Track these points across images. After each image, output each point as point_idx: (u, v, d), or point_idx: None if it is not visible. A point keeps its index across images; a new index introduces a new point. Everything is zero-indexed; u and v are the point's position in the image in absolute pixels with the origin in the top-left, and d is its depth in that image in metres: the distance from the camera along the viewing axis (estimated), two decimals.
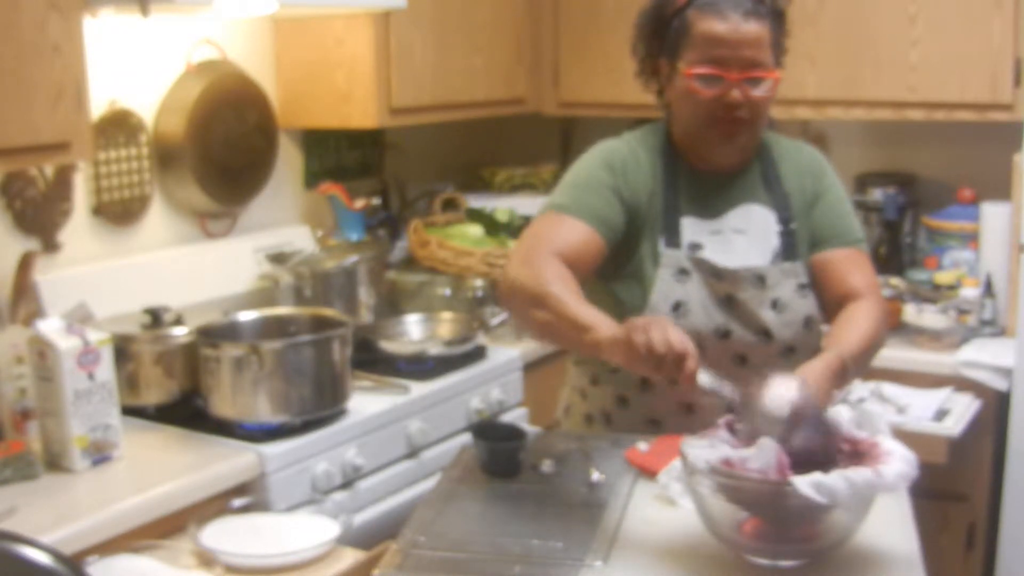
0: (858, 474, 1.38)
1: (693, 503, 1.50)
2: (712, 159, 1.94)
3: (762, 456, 1.43)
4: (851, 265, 1.94)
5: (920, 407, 2.63)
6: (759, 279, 1.89)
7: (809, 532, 1.45)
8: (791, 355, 1.91)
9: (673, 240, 1.91)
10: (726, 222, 1.94)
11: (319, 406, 2.25)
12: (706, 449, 1.48)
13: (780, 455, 1.42)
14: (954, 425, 2.57)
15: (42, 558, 1.43)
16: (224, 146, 2.84)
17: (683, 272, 1.88)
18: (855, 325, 1.84)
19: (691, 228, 1.92)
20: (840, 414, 1.56)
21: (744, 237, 1.93)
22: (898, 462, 1.42)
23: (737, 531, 1.46)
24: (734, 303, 1.89)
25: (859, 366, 1.79)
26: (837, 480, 1.37)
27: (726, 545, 1.48)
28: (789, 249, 1.94)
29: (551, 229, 1.86)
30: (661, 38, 1.91)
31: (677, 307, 1.87)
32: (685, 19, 1.86)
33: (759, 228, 1.94)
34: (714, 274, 1.89)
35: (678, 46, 1.88)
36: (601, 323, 1.65)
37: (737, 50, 1.81)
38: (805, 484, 1.36)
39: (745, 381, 1.56)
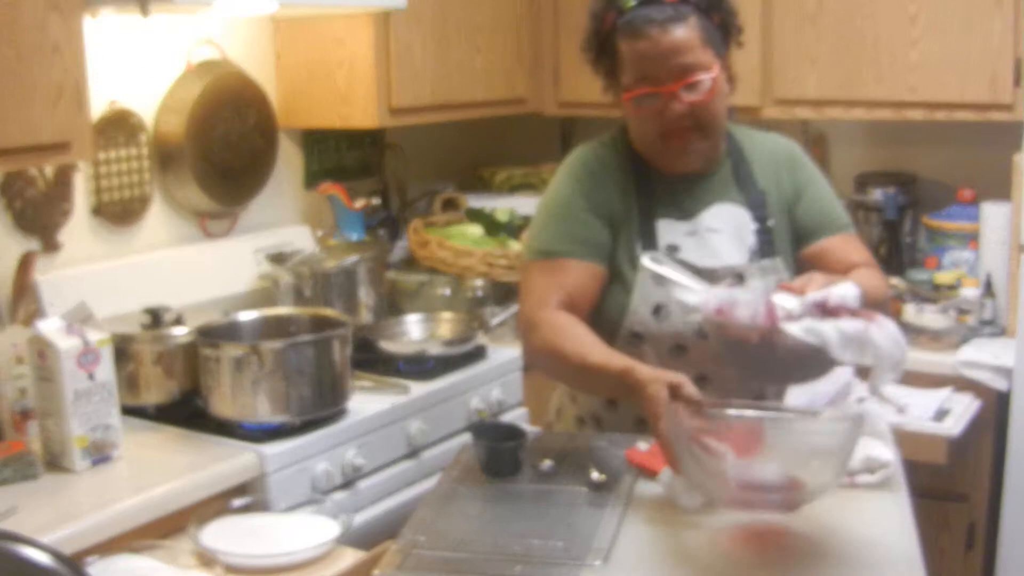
0: (849, 323, 1.39)
1: (681, 459, 1.50)
2: (676, 168, 1.94)
3: (751, 302, 1.42)
4: (848, 248, 1.97)
5: (920, 407, 2.63)
6: (737, 277, 1.89)
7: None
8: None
9: (649, 243, 1.91)
10: (700, 222, 1.93)
11: (319, 406, 2.25)
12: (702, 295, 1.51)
13: (768, 301, 1.41)
14: (954, 425, 2.57)
15: (42, 558, 1.43)
16: (224, 146, 2.84)
17: (661, 275, 1.88)
18: (860, 275, 1.85)
19: (667, 230, 1.92)
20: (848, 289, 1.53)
21: (719, 236, 1.92)
22: (888, 336, 1.43)
23: (724, 484, 1.45)
24: None
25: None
26: (827, 326, 1.38)
27: (713, 498, 1.48)
28: (766, 247, 1.93)
29: (546, 280, 1.88)
30: (601, 62, 1.94)
31: (657, 310, 1.88)
32: (613, 44, 1.88)
33: (734, 227, 1.94)
34: (693, 275, 1.88)
35: (615, 70, 1.91)
36: (631, 364, 1.68)
37: (664, 62, 1.81)
38: (795, 327, 1.35)
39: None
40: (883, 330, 1.43)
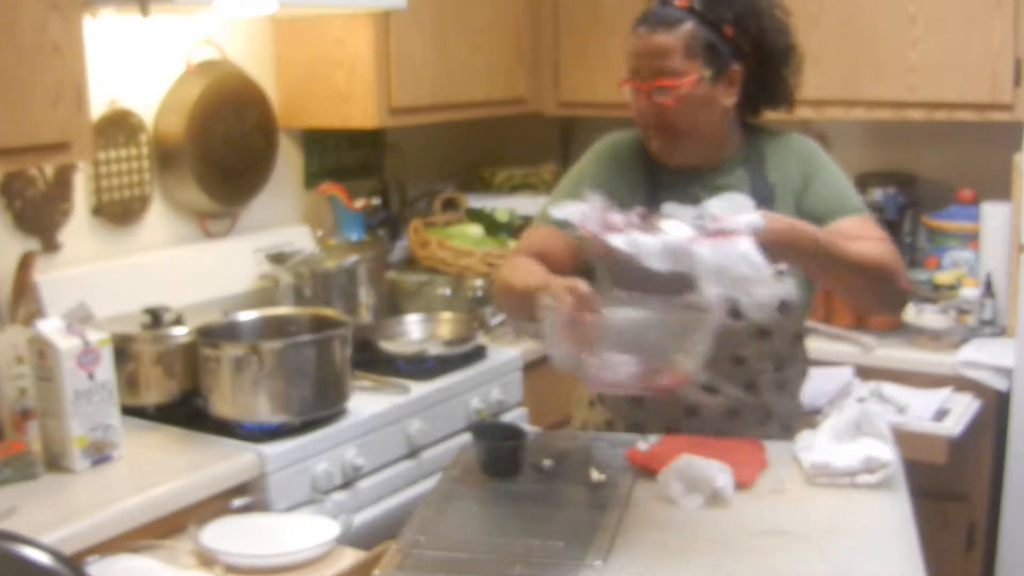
0: (674, 236, 1.51)
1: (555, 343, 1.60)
2: (662, 161, 1.98)
3: (595, 217, 1.57)
4: (860, 228, 1.90)
5: (920, 407, 2.63)
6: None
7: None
8: (766, 337, 1.93)
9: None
10: (707, 209, 1.95)
11: (319, 406, 2.25)
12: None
13: (601, 214, 1.56)
14: (954, 425, 2.57)
15: (42, 558, 1.43)
16: (224, 146, 2.84)
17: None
18: (862, 244, 1.82)
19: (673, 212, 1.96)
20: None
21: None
22: (724, 252, 1.51)
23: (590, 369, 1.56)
24: None
25: (832, 258, 1.73)
26: (648, 237, 1.50)
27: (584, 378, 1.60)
28: None
29: (529, 241, 2.04)
30: None
31: None
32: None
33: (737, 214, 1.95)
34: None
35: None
36: (553, 277, 1.76)
37: (645, 61, 1.89)
38: (617, 238, 1.50)
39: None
40: (722, 245, 1.52)
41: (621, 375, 1.54)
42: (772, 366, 1.95)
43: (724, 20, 1.89)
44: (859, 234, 1.87)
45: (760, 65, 1.94)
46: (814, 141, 2.07)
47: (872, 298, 1.89)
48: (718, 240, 1.52)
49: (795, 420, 2.03)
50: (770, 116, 2.13)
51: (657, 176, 1.98)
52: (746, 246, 1.53)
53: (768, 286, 1.56)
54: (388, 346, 2.68)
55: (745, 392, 1.94)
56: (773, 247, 1.60)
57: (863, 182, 3.31)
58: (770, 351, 1.94)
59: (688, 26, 1.86)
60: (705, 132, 1.95)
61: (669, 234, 1.52)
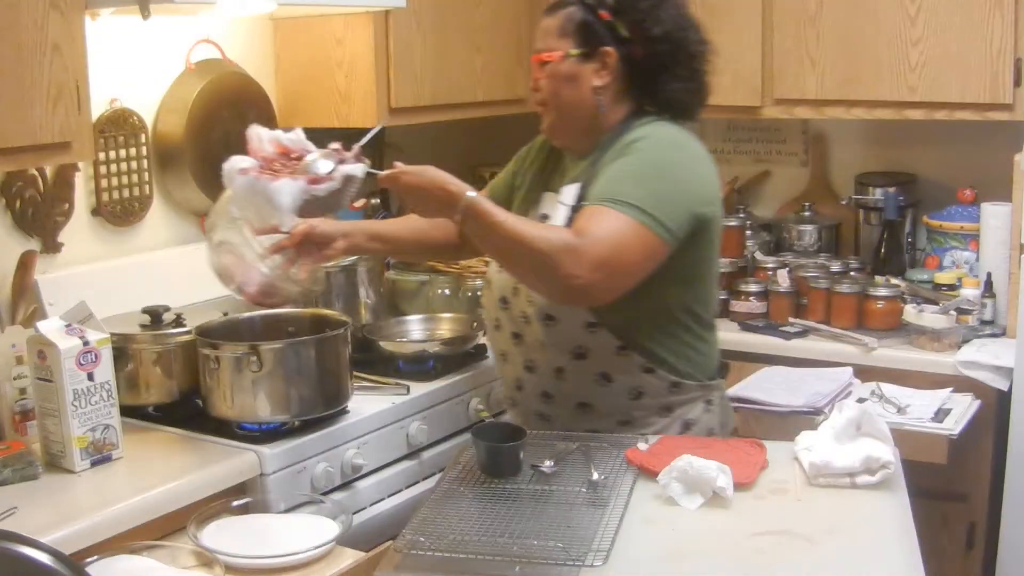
0: (236, 166, 1.85)
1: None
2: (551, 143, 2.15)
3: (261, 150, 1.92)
4: (587, 216, 1.82)
5: (920, 407, 2.63)
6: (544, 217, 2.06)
7: None
8: (551, 323, 1.97)
9: (532, 210, 2.12)
10: (561, 196, 2.03)
11: (319, 406, 2.25)
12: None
13: (252, 144, 1.90)
14: (954, 425, 2.57)
15: (42, 558, 1.43)
16: (224, 146, 2.83)
17: None
18: (531, 221, 1.93)
19: (547, 201, 2.08)
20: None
21: (564, 210, 1.99)
22: (264, 186, 1.82)
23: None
24: None
25: (482, 228, 1.80)
26: (237, 162, 1.85)
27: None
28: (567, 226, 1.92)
29: None
30: None
31: None
32: None
33: (573, 204, 1.99)
34: None
35: None
36: None
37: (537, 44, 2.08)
38: (234, 160, 1.86)
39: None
40: (256, 180, 1.83)
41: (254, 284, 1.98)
42: (571, 354, 1.96)
43: (603, 4, 1.98)
44: (579, 221, 1.82)
45: (645, 53, 1.97)
46: (675, 134, 1.97)
47: (527, 278, 1.89)
48: (259, 175, 1.83)
49: (656, 422, 1.99)
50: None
51: (547, 163, 2.15)
52: (278, 186, 1.82)
53: (286, 223, 1.87)
54: (388, 346, 2.68)
55: (554, 377, 1.99)
56: (407, 195, 1.96)
57: (863, 182, 3.32)
58: (561, 338, 1.96)
59: (569, 10, 2.02)
60: (574, 111, 2.03)
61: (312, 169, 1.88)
